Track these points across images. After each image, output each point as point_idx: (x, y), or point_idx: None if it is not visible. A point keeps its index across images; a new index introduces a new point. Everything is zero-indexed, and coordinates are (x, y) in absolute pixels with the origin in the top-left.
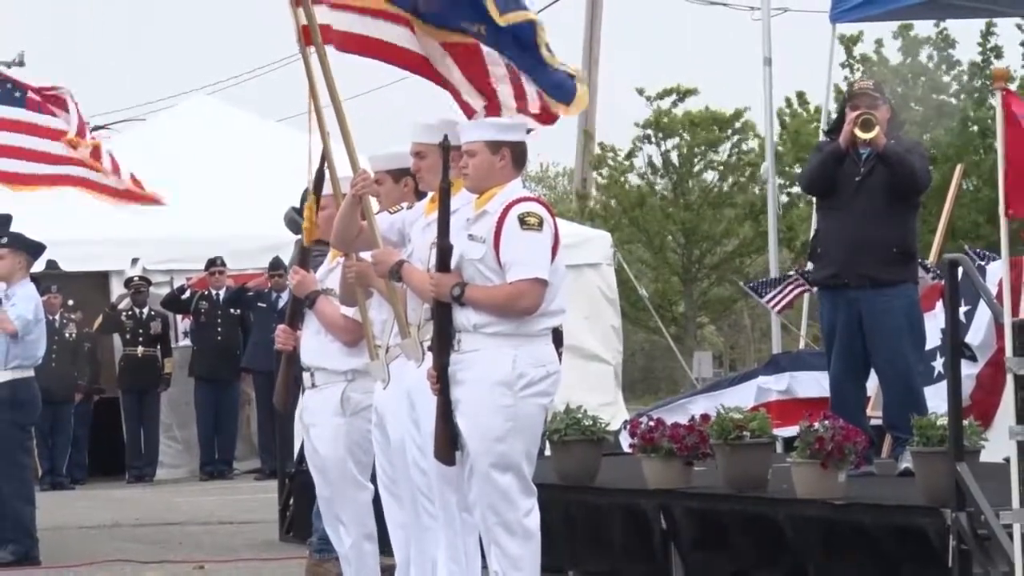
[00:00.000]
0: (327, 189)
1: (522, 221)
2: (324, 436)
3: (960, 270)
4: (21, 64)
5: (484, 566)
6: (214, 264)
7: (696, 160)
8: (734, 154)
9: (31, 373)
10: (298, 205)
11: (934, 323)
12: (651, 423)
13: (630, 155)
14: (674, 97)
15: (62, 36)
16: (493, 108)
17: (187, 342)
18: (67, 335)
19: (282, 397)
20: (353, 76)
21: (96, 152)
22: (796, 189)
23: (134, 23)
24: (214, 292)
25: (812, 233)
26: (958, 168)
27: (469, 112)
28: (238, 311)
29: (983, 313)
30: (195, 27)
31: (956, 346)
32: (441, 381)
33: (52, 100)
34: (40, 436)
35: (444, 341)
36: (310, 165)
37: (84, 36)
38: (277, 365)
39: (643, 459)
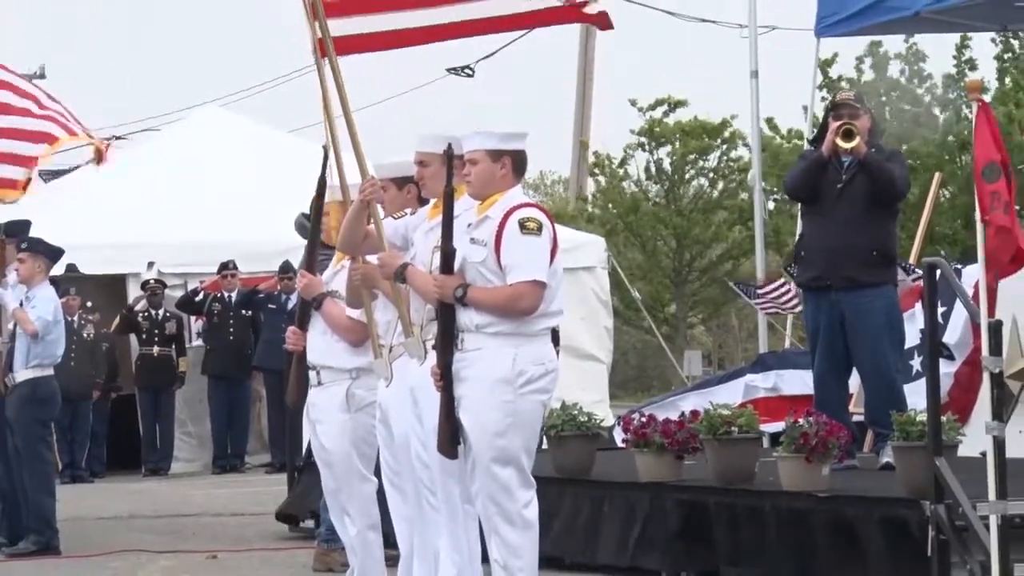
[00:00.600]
0: (329, 196)
1: (522, 226)
2: (330, 431)
3: (938, 272)
4: (42, 76)
5: (485, 555)
6: (226, 267)
7: (687, 168)
8: (723, 161)
9: (51, 372)
10: (307, 211)
11: (913, 323)
12: (643, 419)
13: (623, 163)
14: (665, 108)
15: (81, 50)
16: None
17: (200, 342)
18: (85, 335)
19: (293, 394)
20: (365, 86)
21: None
22: (784, 196)
23: (149, 37)
24: (226, 294)
25: (796, 238)
26: (936, 177)
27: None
28: (249, 312)
29: (959, 314)
30: (208, 42)
31: (935, 345)
32: (444, 378)
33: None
34: (60, 432)
35: (448, 340)
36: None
37: (102, 50)
38: (287, 364)
39: (636, 453)
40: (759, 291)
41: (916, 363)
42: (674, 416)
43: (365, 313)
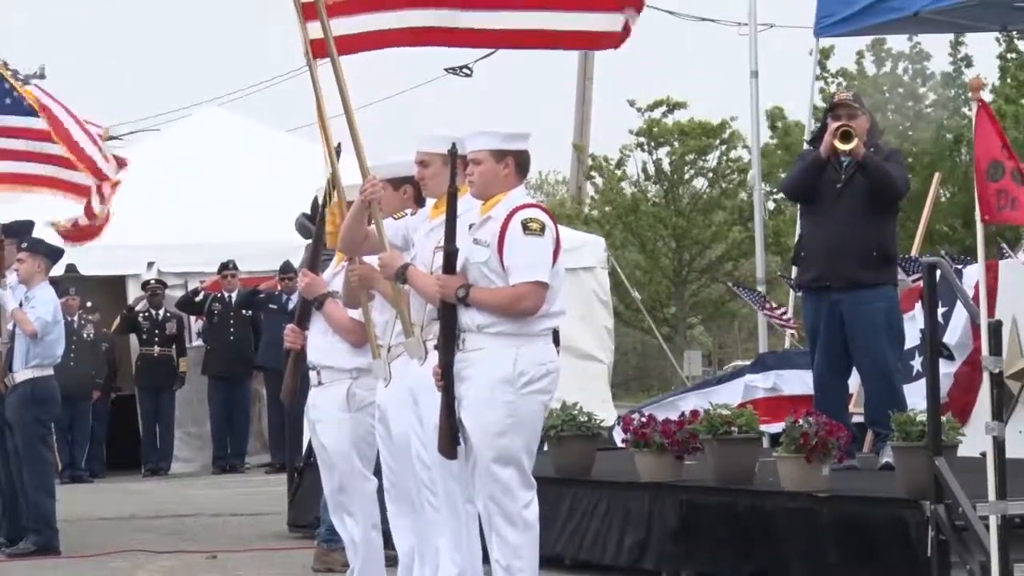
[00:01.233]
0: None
1: (525, 227)
2: (330, 431)
3: (938, 273)
4: (42, 76)
5: (485, 556)
6: (226, 267)
7: (687, 168)
8: (723, 162)
9: (50, 372)
10: (308, 211)
11: (913, 324)
12: (643, 419)
13: (620, 164)
14: (664, 109)
15: (81, 50)
16: None
17: (200, 342)
18: (85, 336)
19: (289, 392)
20: (362, 86)
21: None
22: (782, 196)
23: (149, 37)
24: (226, 294)
25: (796, 238)
26: (935, 176)
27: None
28: (249, 312)
29: (959, 314)
30: (207, 42)
31: (935, 346)
32: (445, 378)
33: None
34: (60, 432)
35: (449, 340)
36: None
37: (102, 50)
38: (286, 363)
39: (636, 453)
40: (764, 303)
41: (916, 363)
42: (674, 416)
43: (363, 313)
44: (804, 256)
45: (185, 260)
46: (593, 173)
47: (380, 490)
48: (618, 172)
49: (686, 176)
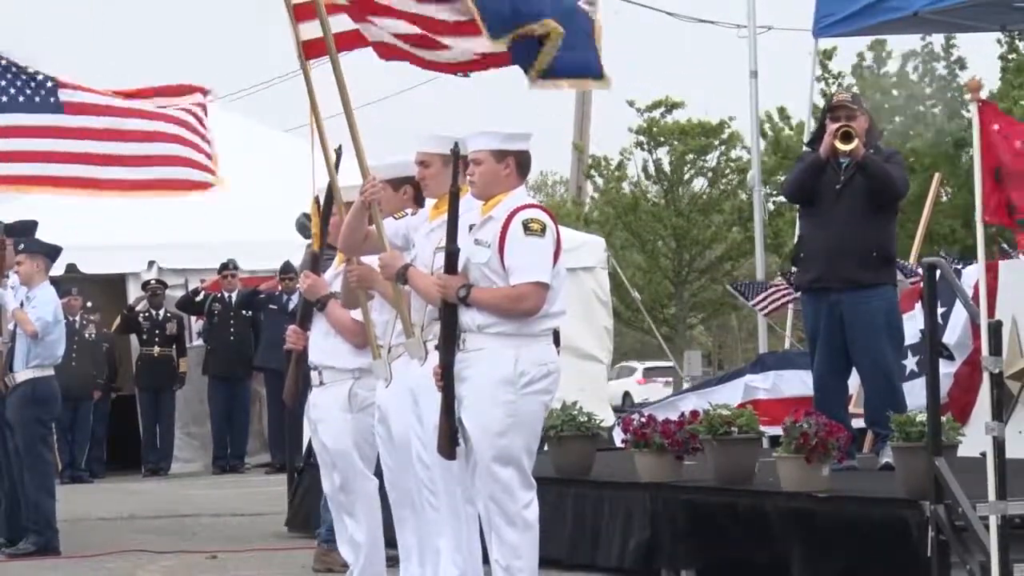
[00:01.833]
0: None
1: (526, 227)
2: (331, 431)
3: (938, 273)
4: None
5: (485, 556)
6: (227, 267)
7: (686, 168)
8: (722, 162)
9: (51, 372)
10: (308, 211)
11: (912, 324)
12: (643, 420)
13: (620, 165)
14: (662, 109)
15: (81, 50)
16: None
17: (201, 342)
18: (86, 335)
19: (291, 393)
20: (361, 85)
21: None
22: (782, 198)
23: (149, 37)
24: (227, 294)
25: (796, 239)
26: (936, 177)
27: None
28: (250, 312)
29: (959, 314)
30: (207, 42)
31: (935, 346)
32: (445, 379)
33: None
34: (60, 432)
35: (450, 340)
36: (313, 174)
37: (101, 50)
38: (287, 363)
39: (636, 454)
40: (757, 294)
41: (910, 363)
42: (674, 416)
43: (362, 314)
44: (804, 257)
45: (185, 260)
46: (593, 173)
47: (381, 490)
48: (617, 172)
49: (686, 176)
